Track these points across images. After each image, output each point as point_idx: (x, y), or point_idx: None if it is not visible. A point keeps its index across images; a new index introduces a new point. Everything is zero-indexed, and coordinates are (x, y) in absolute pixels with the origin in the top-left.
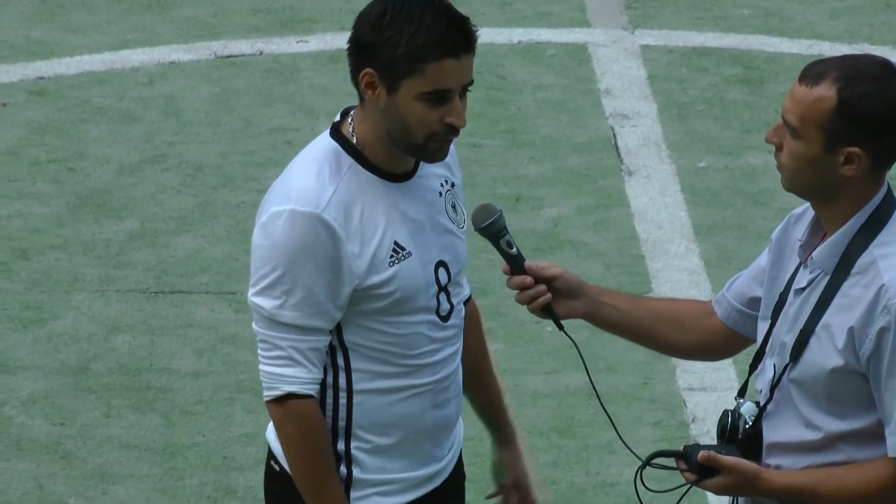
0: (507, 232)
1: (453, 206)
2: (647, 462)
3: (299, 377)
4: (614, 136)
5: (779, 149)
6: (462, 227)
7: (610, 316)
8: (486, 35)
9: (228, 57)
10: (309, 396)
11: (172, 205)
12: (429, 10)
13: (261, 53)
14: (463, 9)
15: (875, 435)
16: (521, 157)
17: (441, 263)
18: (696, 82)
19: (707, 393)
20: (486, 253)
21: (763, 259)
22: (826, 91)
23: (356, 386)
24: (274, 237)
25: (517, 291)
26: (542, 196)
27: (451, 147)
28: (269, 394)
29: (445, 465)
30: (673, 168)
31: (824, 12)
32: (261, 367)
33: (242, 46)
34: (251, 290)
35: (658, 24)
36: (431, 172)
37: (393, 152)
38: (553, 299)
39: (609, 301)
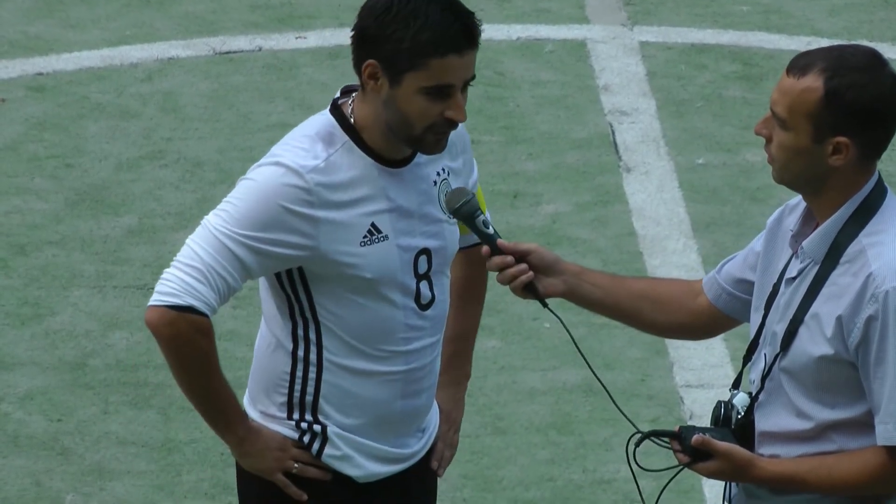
0: (482, 212)
1: (446, 195)
2: (645, 435)
3: (208, 298)
4: (613, 132)
5: (768, 140)
6: (453, 218)
7: (591, 294)
8: (485, 31)
9: (227, 53)
10: (207, 317)
11: (171, 201)
12: (434, 5)
13: (259, 49)
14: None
15: (866, 425)
16: (520, 153)
17: (424, 251)
18: (695, 79)
19: (704, 390)
20: None
21: (757, 244)
22: (813, 82)
23: (326, 362)
24: (255, 178)
25: (497, 273)
26: (541, 192)
27: (461, 130)
28: (170, 300)
29: (417, 450)
30: (671, 165)
31: (823, 9)
32: (173, 272)
33: (241, 42)
34: (212, 211)
35: (657, 21)
36: (431, 160)
37: (390, 139)
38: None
39: (590, 280)
